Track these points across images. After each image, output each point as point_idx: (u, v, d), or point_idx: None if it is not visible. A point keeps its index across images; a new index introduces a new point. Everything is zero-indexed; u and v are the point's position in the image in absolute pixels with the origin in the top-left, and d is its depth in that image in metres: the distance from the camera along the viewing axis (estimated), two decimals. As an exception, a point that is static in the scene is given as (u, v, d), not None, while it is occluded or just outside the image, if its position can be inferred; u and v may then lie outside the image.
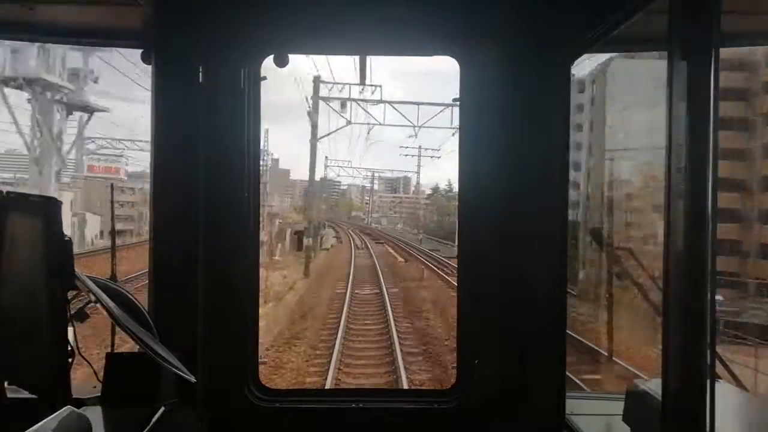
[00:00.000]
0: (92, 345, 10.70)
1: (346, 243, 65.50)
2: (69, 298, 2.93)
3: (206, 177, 4.28)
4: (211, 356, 4.26)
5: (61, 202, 2.93)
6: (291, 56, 4.48)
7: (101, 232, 47.61)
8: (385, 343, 21.64)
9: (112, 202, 4.66)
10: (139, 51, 4.27)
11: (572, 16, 4.01)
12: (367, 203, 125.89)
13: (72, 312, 3.00)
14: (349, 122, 44.96)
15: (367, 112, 44.98)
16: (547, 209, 4.26)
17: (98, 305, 3.06)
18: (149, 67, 4.25)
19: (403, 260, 49.88)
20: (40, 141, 34.25)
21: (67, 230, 2.91)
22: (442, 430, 4.45)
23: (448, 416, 4.40)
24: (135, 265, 26.01)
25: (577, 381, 14.47)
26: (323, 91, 42.72)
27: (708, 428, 2.44)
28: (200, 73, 4.25)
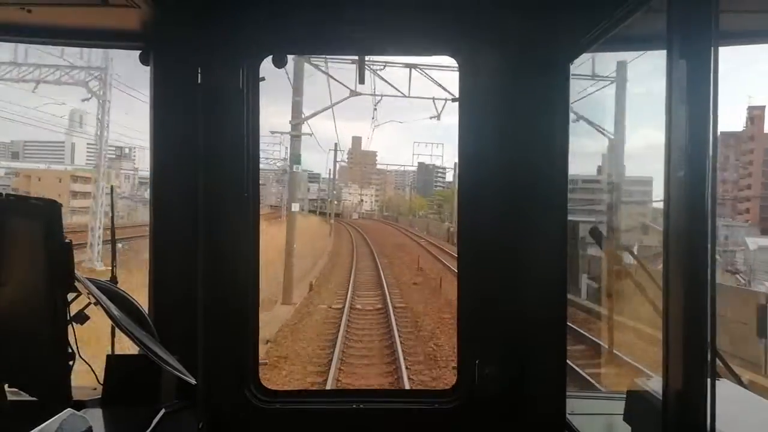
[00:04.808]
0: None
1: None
2: (69, 300, 2.93)
3: (206, 178, 4.28)
4: (211, 358, 4.26)
5: (61, 205, 2.92)
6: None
7: None
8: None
9: (112, 204, 4.64)
10: (138, 52, 4.27)
11: (572, 16, 4.00)
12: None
13: (72, 314, 2.99)
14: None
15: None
16: (548, 209, 4.26)
17: (98, 307, 3.06)
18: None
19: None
20: None
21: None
22: (443, 431, 4.45)
23: (448, 416, 4.40)
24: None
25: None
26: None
27: (709, 427, 2.44)
28: (199, 74, 4.24)
